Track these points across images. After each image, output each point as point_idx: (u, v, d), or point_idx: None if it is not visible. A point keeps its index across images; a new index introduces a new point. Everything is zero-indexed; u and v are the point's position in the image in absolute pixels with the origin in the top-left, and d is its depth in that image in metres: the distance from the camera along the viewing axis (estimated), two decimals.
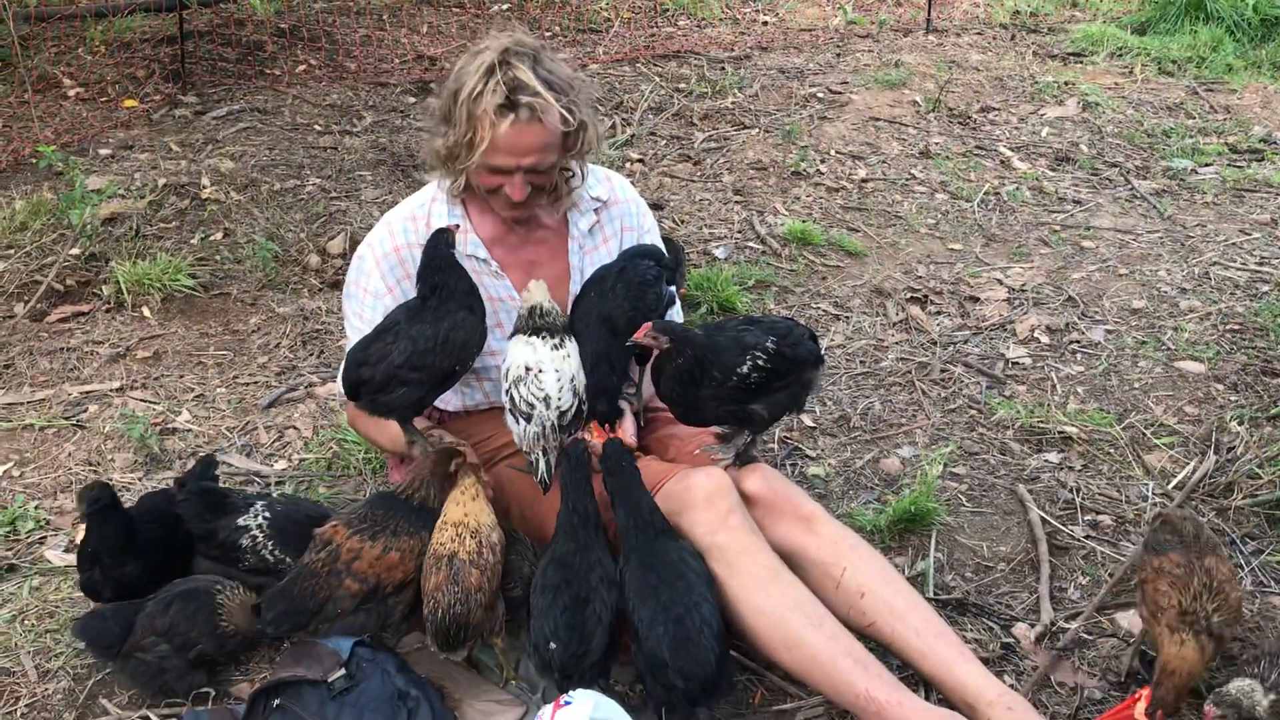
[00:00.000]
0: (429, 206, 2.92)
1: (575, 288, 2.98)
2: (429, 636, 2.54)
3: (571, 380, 2.69)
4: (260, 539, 2.81)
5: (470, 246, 2.90)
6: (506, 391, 2.73)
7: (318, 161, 5.63)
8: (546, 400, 2.65)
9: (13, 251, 4.64)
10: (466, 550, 2.52)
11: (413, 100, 6.54)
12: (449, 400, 3.03)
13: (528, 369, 2.69)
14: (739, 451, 2.84)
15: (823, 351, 2.95)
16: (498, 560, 2.58)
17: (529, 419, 2.65)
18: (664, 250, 3.09)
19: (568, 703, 2.28)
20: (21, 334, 4.21)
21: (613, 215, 3.08)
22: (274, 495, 3.25)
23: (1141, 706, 2.58)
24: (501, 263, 2.93)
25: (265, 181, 5.34)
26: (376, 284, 2.88)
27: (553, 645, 2.44)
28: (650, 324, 2.66)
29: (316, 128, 6.08)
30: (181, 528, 2.87)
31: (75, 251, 4.59)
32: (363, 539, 2.55)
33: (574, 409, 2.69)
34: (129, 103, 6.28)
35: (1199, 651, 2.53)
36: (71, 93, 6.36)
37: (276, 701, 2.46)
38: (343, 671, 2.43)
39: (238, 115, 6.15)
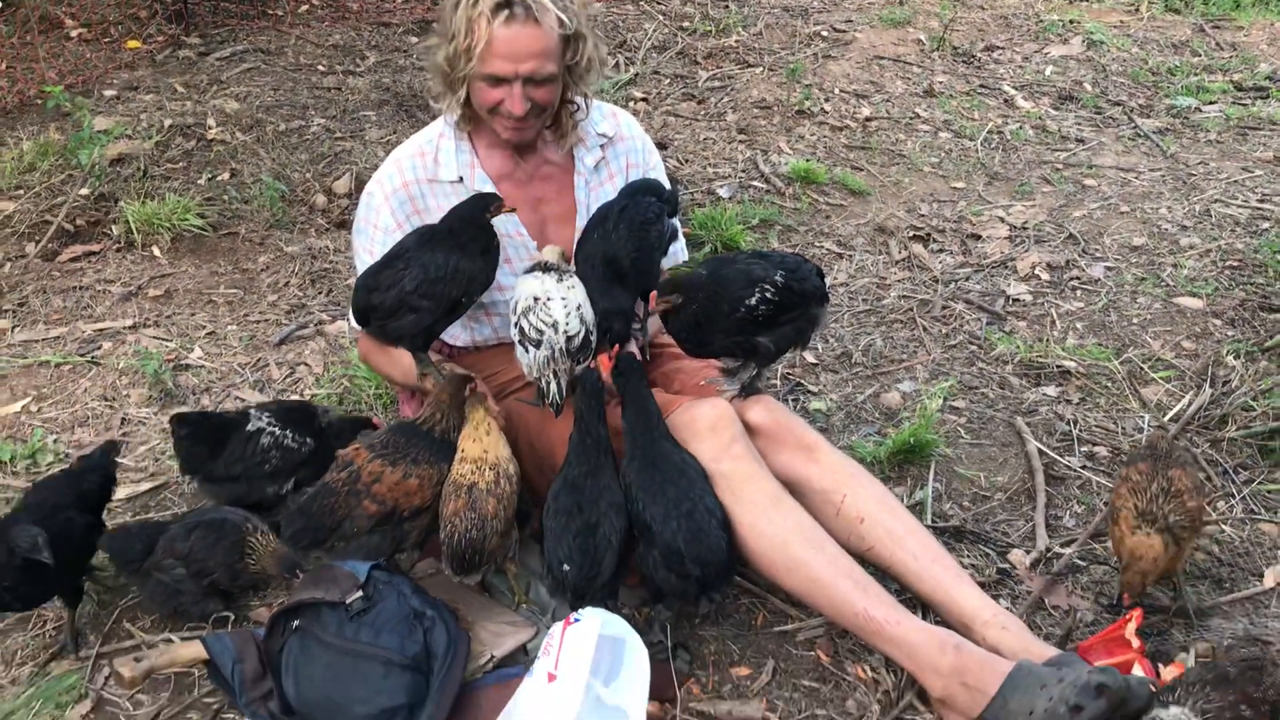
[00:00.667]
0: (436, 142, 2.95)
1: (581, 223, 3.02)
2: (445, 560, 2.62)
3: (578, 308, 2.75)
4: (277, 432, 2.92)
5: (478, 182, 2.94)
6: (515, 324, 2.78)
7: (322, 102, 5.64)
8: (554, 326, 2.71)
9: (22, 192, 4.67)
10: (485, 481, 2.59)
11: (415, 40, 6.53)
12: (458, 336, 3.09)
13: (536, 299, 2.75)
14: (744, 384, 2.91)
15: (828, 289, 3.01)
16: (514, 490, 2.65)
17: (538, 345, 2.72)
18: (665, 184, 3.12)
19: (577, 620, 2.37)
20: (34, 273, 4.27)
21: (619, 152, 3.11)
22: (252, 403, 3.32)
23: (1132, 626, 2.66)
24: (509, 198, 2.97)
25: (270, 122, 5.35)
26: (386, 220, 2.92)
27: (566, 567, 2.53)
28: (656, 291, 2.74)
29: (320, 68, 6.08)
30: (78, 520, 2.73)
31: (84, 192, 4.63)
32: (384, 463, 2.62)
33: (581, 336, 2.74)
34: (132, 44, 6.26)
35: (1160, 542, 2.63)
36: (74, 33, 6.35)
37: (295, 623, 2.54)
38: (360, 594, 2.49)
39: (241, 56, 6.14)
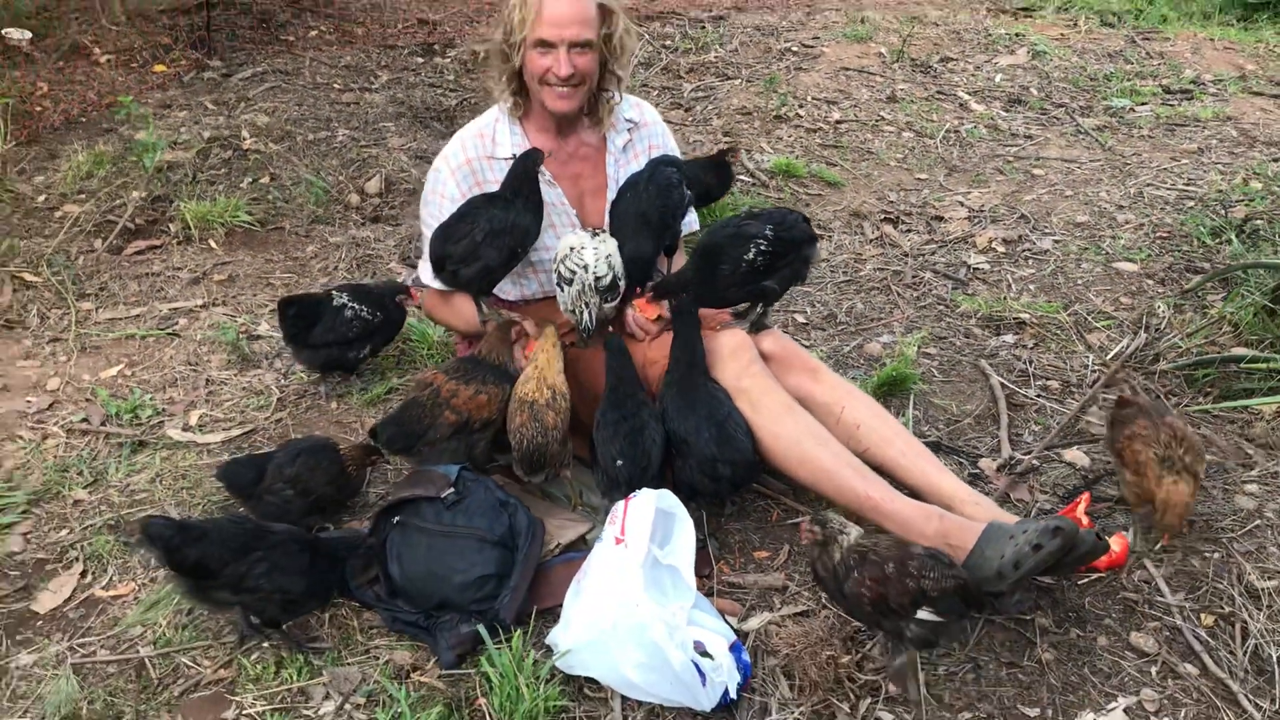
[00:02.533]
0: (493, 125, 3.51)
1: (612, 194, 3.59)
2: (515, 464, 3.16)
3: (608, 257, 3.32)
4: (355, 306, 3.84)
5: None
6: (554, 270, 3.35)
7: (344, 115, 6.18)
8: (585, 267, 3.28)
9: (84, 196, 5.17)
10: (545, 398, 3.14)
11: (421, 60, 7.10)
12: (508, 291, 3.63)
13: (572, 248, 3.33)
14: (753, 321, 3.48)
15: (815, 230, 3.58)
16: (568, 407, 3.19)
17: (570, 283, 3.28)
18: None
19: (636, 496, 2.90)
20: (106, 264, 4.76)
21: (642, 135, 3.68)
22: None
23: (1082, 507, 3.24)
24: (553, 174, 3.53)
25: (299, 133, 5.88)
26: (452, 190, 3.47)
27: (619, 463, 3.06)
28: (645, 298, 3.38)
29: (336, 86, 6.62)
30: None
31: (141, 195, 5.13)
32: (458, 382, 3.17)
33: (609, 279, 3.30)
34: (159, 67, 6.78)
35: (1187, 487, 3.09)
36: (103, 59, 6.85)
37: (397, 519, 3.05)
38: (453, 489, 3.01)
39: (262, 76, 6.68)
